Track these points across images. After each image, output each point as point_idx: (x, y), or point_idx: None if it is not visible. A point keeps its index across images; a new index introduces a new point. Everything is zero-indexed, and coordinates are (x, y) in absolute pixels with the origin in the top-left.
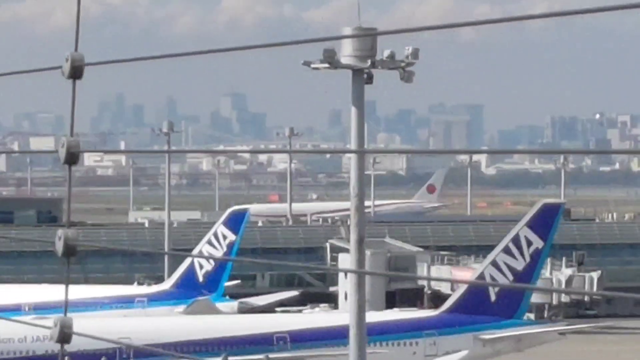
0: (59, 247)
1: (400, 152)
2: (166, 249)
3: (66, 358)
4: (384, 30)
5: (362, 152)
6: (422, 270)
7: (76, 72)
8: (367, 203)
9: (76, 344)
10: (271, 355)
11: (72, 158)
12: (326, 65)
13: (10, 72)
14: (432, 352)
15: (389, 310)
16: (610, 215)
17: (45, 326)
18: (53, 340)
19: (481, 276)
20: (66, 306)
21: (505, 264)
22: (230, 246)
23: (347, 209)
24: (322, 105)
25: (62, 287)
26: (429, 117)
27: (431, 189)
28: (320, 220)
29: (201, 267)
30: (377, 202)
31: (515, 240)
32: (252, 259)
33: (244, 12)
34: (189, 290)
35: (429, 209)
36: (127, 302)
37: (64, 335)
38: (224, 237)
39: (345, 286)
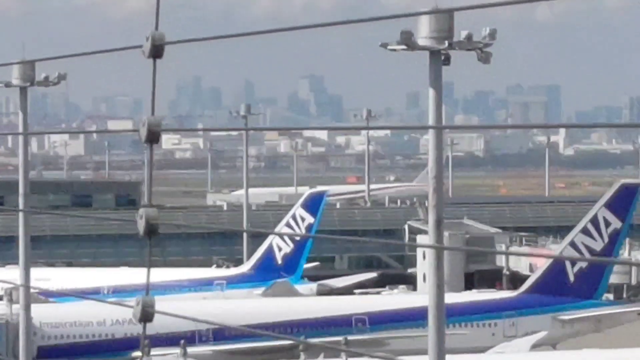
0: (141, 226)
1: (477, 127)
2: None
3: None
4: (462, 6)
5: (439, 128)
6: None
7: (157, 51)
8: (362, 187)
9: (154, 327)
10: (350, 337)
11: (153, 137)
12: (403, 46)
13: (91, 51)
14: (511, 333)
15: (467, 292)
16: None
17: (127, 305)
18: (135, 318)
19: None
20: (148, 286)
21: (584, 244)
22: (309, 228)
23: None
24: (400, 87)
25: (140, 270)
26: (507, 98)
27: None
28: (399, 202)
29: (279, 249)
30: (378, 186)
31: (594, 221)
32: (332, 238)
33: None
34: (268, 273)
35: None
36: (205, 284)
37: (146, 314)
38: (303, 219)
39: (423, 267)
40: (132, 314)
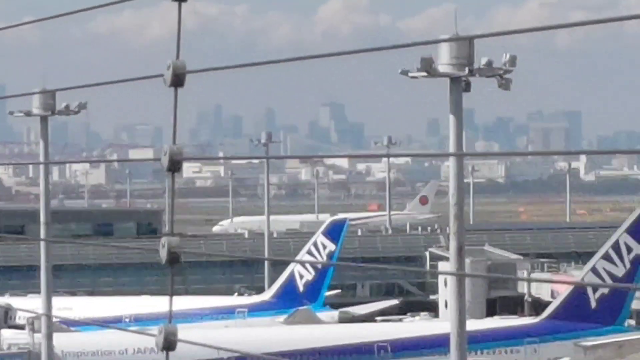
0: (163, 254)
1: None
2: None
3: None
4: (481, 34)
5: (460, 155)
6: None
7: (178, 80)
8: (355, 215)
9: (176, 355)
10: None
11: (175, 165)
12: (424, 73)
13: (111, 81)
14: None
15: (489, 318)
16: None
17: (150, 334)
18: (158, 347)
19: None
20: (170, 314)
21: (605, 270)
22: (330, 255)
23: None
24: (420, 114)
25: (161, 298)
26: (528, 125)
27: (424, 201)
28: (420, 228)
29: (301, 277)
30: (368, 214)
31: (615, 247)
32: (354, 265)
33: (340, 22)
34: (290, 300)
35: (421, 221)
36: (227, 312)
37: (169, 343)
38: (324, 247)
39: (445, 294)
40: (155, 342)
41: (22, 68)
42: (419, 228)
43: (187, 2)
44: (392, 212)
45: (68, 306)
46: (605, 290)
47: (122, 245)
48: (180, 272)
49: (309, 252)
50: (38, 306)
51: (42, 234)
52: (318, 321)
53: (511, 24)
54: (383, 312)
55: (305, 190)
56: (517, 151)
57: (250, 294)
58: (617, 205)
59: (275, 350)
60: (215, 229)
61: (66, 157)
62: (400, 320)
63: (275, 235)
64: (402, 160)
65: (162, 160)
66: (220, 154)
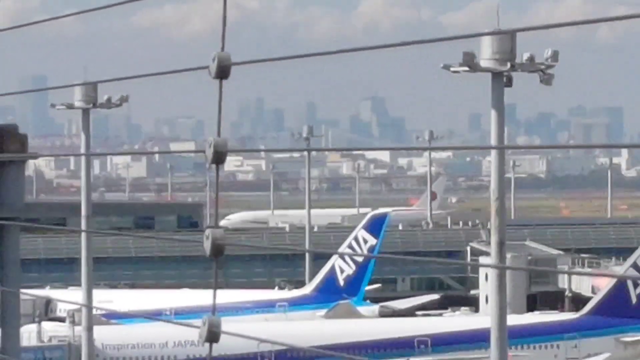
0: (207, 246)
1: (539, 147)
2: (307, 254)
3: None
4: (523, 27)
5: (501, 148)
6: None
7: (223, 72)
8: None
9: (216, 349)
10: (412, 359)
11: (220, 158)
12: (466, 68)
13: (154, 73)
14: (573, 355)
15: (530, 313)
16: None
17: (193, 326)
18: (202, 339)
19: (622, 279)
20: (214, 306)
21: None
22: (371, 250)
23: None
24: (462, 109)
25: (202, 291)
26: (569, 120)
27: (433, 196)
28: (461, 223)
29: (342, 271)
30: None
31: None
32: (394, 257)
33: (382, 16)
34: (330, 294)
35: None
36: (268, 306)
37: (213, 335)
38: (365, 241)
39: (486, 289)
40: (199, 334)
41: (63, 61)
42: (460, 223)
43: None
44: (398, 209)
45: (108, 299)
46: None
47: (163, 237)
48: (220, 265)
49: (350, 246)
50: (78, 299)
51: (83, 226)
52: (358, 315)
53: (553, 19)
54: (423, 307)
55: (347, 184)
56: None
57: (290, 289)
58: None
59: (315, 344)
60: (223, 222)
61: (107, 149)
62: (440, 314)
63: (316, 229)
64: (443, 154)
65: (206, 152)
66: (262, 148)
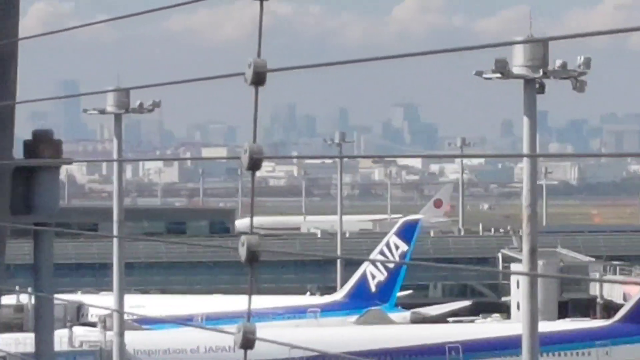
0: (242, 253)
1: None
2: (338, 260)
3: None
4: (556, 36)
5: (533, 156)
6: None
7: (259, 78)
8: (364, 217)
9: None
10: None
11: (255, 164)
12: (498, 75)
13: (189, 79)
14: None
15: (561, 320)
16: None
17: (227, 332)
18: (237, 345)
19: None
20: (249, 312)
21: None
22: (403, 256)
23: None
24: (494, 115)
25: (234, 297)
26: (601, 127)
27: (438, 204)
28: (493, 230)
29: (373, 277)
30: (379, 217)
31: None
32: (426, 264)
33: (414, 23)
34: (361, 301)
35: (434, 224)
36: (299, 312)
37: (248, 341)
38: (397, 247)
39: (517, 296)
40: (234, 340)
41: (96, 66)
42: (492, 229)
43: (268, 1)
44: (402, 216)
45: (140, 304)
46: None
47: (195, 243)
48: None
49: (382, 253)
50: (110, 304)
51: (115, 232)
52: (389, 322)
53: (585, 26)
54: (455, 313)
55: (378, 191)
56: (591, 152)
57: (322, 294)
58: None
59: (346, 350)
60: (238, 222)
61: (139, 155)
62: (472, 321)
63: (347, 235)
64: (475, 161)
65: (242, 158)
66: (294, 154)
